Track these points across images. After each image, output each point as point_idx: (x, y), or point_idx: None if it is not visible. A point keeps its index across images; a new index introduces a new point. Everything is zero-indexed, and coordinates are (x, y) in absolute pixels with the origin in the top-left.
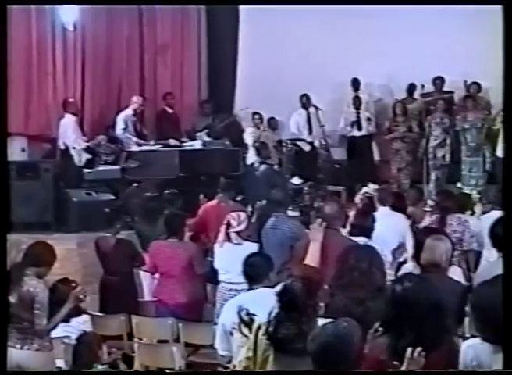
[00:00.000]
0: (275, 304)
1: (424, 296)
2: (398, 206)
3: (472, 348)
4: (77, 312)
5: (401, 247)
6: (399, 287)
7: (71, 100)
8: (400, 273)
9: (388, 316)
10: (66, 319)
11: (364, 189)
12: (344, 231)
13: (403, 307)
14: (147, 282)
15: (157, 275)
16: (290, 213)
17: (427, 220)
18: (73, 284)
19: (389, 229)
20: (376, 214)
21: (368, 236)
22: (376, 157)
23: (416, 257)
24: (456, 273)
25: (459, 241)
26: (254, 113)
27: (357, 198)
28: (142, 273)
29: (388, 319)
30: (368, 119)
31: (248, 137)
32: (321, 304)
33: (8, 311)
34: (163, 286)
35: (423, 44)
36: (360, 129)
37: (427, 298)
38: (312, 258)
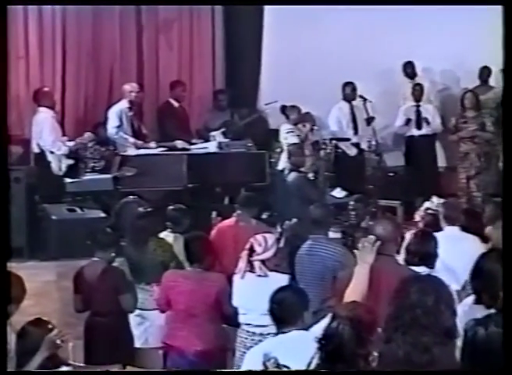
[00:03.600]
0: (315, 353)
1: None
2: (472, 226)
3: None
4: (54, 362)
5: None
6: (482, 331)
7: (45, 89)
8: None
9: (464, 367)
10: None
11: (427, 204)
12: (399, 258)
13: (486, 357)
14: (135, 323)
15: (166, 313)
16: (331, 235)
17: None
18: (49, 326)
19: (459, 256)
20: (442, 236)
21: (431, 265)
22: (441, 163)
23: (476, 290)
24: None
25: None
26: (291, 107)
27: (418, 216)
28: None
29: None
30: (426, 118)
31: (290, 137)
32: (375, 353)
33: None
34: (178, 329)
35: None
36: (419, 127)
37: None
38: (357, 286)
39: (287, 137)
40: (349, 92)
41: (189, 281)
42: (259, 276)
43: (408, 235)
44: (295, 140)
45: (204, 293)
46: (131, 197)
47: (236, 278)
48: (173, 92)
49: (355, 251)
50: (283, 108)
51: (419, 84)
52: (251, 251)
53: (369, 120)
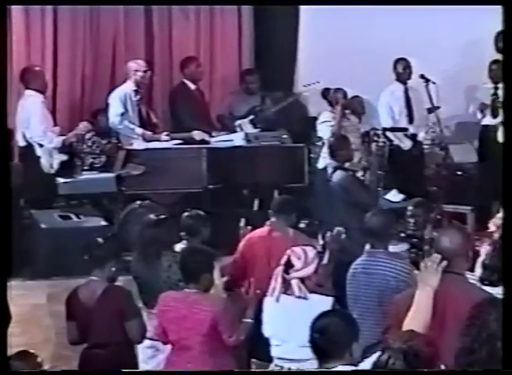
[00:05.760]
0: None
1: None
2: None
3: None
4: None
5: None
6: None
7: (36, 68)
8: None
9: None
10: None
11: None
12: (471, 277)
13: None
14: (146, 356)
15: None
16: (392, 249)
17: None
18: (38, 360)
19: None
20: None
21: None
22: None
23: None
24: None
25: None
26: (336, 90)
27: (493, 225)
28: None
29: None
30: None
31: (324, 129)
32: None
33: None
34: (174, 362)
35: None
36: (495, 115)
37: None
38: (417, 315)
39: (321, 129)
40: (401, 71)
41: (181, 305)
42: (298, 297)
43: (482, 249)
44: (328, 133)
45: (196, 320)
46: (139, 201)
47: (268, 301)
48: (186, 71)
49: (416, 271)
50: (326, 93)
51: (497, 61)
52: (288, 266)
53: (431, 110)
